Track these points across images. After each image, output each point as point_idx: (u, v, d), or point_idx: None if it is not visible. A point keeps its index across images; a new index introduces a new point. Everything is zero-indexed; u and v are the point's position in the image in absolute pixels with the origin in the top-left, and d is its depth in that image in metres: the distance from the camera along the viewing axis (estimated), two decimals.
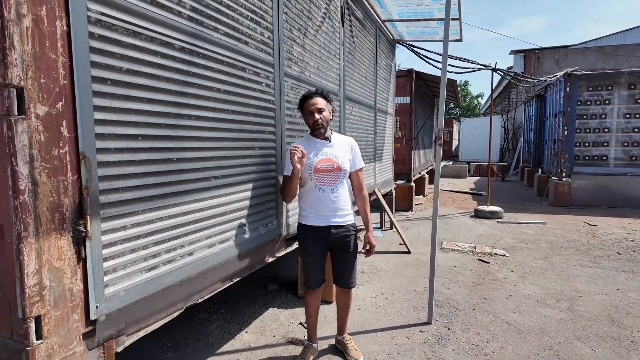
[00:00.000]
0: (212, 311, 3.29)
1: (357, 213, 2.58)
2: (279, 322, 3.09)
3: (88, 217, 1.36)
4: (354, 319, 3.08)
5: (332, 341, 2.74)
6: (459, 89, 14.38)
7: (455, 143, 26.80)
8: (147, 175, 1.62)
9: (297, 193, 2.43)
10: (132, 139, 1.54)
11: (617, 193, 8.13)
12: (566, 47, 16.04)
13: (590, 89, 8.27)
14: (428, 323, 3.03)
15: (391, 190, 6.63)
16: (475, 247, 5.19)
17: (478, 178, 15.58)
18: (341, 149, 2.41)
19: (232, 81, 2.15)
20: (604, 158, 8.26)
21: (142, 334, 1.68)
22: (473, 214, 7.56)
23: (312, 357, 2.52)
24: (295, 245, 3.00)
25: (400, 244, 5.24)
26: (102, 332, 1.47)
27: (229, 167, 2.17)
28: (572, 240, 5.56)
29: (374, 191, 5.15)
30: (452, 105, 42.55)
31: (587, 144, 8.37)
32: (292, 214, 2.91)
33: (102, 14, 1.39)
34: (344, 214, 2.40)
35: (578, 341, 2.77)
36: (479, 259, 4.67)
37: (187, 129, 1.83)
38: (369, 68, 4.99)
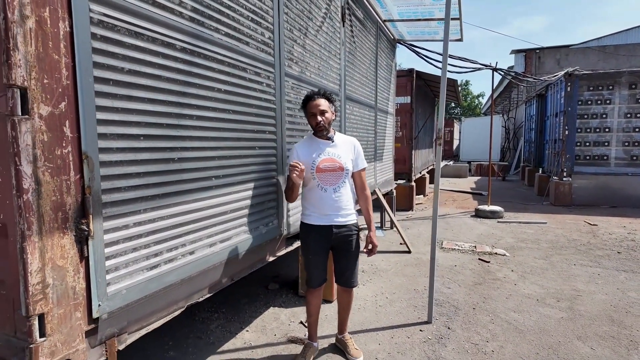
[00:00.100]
0: (213, 310, 3.30)
1: (359, 212, 2.59)
2: (280, 321, 3.10)
3: (90, 216, 1.37)
4: (354, 318, 3.09)
5: (333, 340, 2.75)
6: (459, 88, 14.38)
7: (456, 143, 26.79)
8: (149, 175, 1.64)
9: (300, 192, 2.45)
10: (134, 139, 1.55)
11: (617, 193, 8.13)
12: (567, 46, 16.02)
13: (591, 88, 8.27)
14: (428, 322, 3.05)
15: (392, 189, 6.64)
16: (475, 246, 5.20)
17: (479, 178, 15.57)
18: (344, 149, 2.42)
19: (233, 81, 2.17)
20: (605, 158, 8.26)
21: (143, 332, 1.69)
22: (473, 213, 7.56)
23: (312, 356, 2.53)
24: (296, 245, 3.02)
25: (401, 244, 5.25)
26: (105, 330, 1.49)
27: (230, 167, 2.18)
28: (572, 240, 5.57)
29: (374, 191, 5.17)
30: (453, 105, 42.52)
31: (587, 144, 8.36)
32: (293, 213, 2.92)
33: (105, 15, 1.41)
34: (346, 213, 2.41)
35: (578, 340, 2.78)
36: (479, 259, 4.68)
37: (189, 129, 1.84)
38: (370, 68, 5.00)
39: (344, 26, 3.91)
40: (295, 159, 2.28)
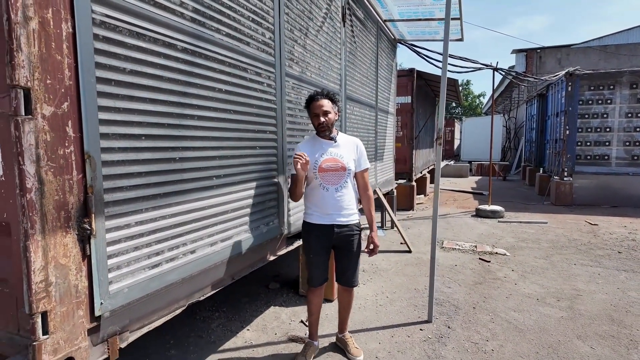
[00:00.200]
0: (214, 309, 3.32)
1: (362, 212, 2.60)
2: (281, 320, 3.11)
3: (93, 215, 1.38)
4: (355, 317, 3.10)
5: (333, 339, 2.76)
6: (460, 88, 14.38)
7: (457, 142, 26.77)
8: (151, 174, 1.65)
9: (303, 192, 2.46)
10: (135, 139, 1.57)
11: (618, 192, 8.12)
12: (568, 46, 16.00)
13: (592, 88, 8.26)
14: (428, 321, 3.05)
15: (392, 189, 6.65)
16: (476, 246, 5.20)
17: (479, 177, 15.57)
18: (346, 149, 2.44)
19: (234, 81, 2.18)
20: (606, 157, 8.25)
21: (145, 330, 1.71)
22: (474, 213, 7.57)
23: (313, 355, 2.54)
24: (297, 244, 3.03)
25: (401, 243, 5.26)
26: (107, 328, 1.50)
27: (231, 167, 2.19)
28: (573, 240, 5.57)
29: (375, 190, 5.18)
30: (454, 105, 42.48)
31: (588, 144, 8.36)
32: (293, 212, 2.93)
33: (107, 16, 1.42)
34: (348, 213, 2.42)
35: (578, 339, 2.79)
36: (479, 258, 4.69)
37: (190, 129, 1.85)
38: (370, 68, 5.00)
39: (344, 26, 3.92)
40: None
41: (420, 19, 5.38)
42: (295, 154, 2.26)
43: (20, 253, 1.21)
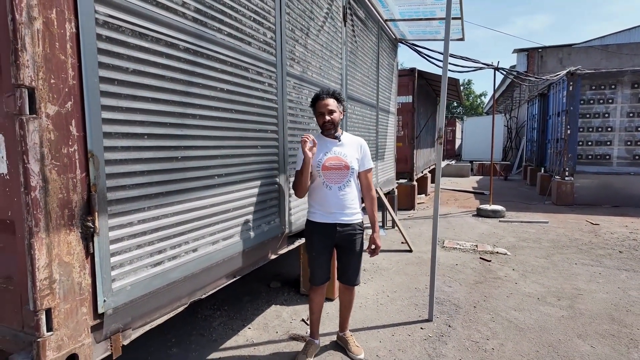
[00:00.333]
0: (215, 308, 3.33)
1: (364, 211, 2.61)
2: (282, 319, 3.13)
3: (96, 213, 1.40)
4: (356, 315, 3.12)
5: (334, 337, 2.77)
6: (461, 88, 14.37)
7: (458, 142, 26.76)
8: (153, 173, 1.66)
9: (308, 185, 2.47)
10: (138, 138, 1.58)
11: (620, 192, 8.11)
12: (570, 45, 15.97)
13: (594, 87, 8.25)
14: (429, 320, 3.06)
15: (393, 189, 6.65)
16: (476, 245, 5.21)
17: (481, 177, 15.56)
18: (350, 148, 2.45)
19: (236, 81, 2.19)
20: (607, 157, 8.24)
21: (147, 328, 1.72)
22: (475, 212, 7.57)
23: (314, 353, 2.56)
24: (297, 243, 3.04)
25: (402, 243, 5.27)
26: (110, 326, 1.51)
27: (232, 166, 2.21)
28: (574, 239, 5.57)
29: (376, 190, 5.18)
30: (455, 104, 42.43)
31: (590, 143, 8.35)
32: (295, 212, 2.95)
33: (110, 16, 1.43)
34: (351, 212, 2.43)
35: (578, 338, 2.79)
36: (480, 258, 4.69)
37: (192, 128, 1.87)
38: (371, 67, 5.01)
39: (345, 26, 3.93)
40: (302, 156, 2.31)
41: (421, 19, 5.38)
42: (302, 138, 2.28)
43: (24, 250, 1.23)
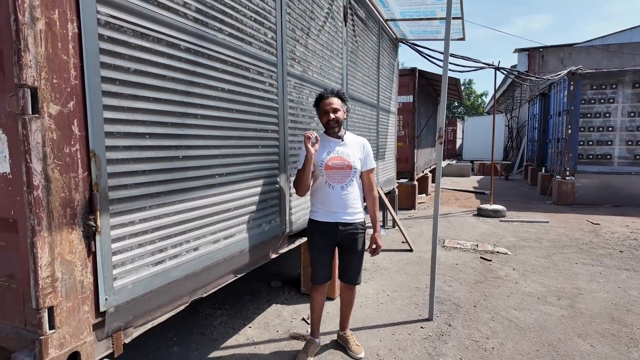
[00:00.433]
0: (216, 307, 3.35)
1: (365, 211, 2.62)
2: (282, 318, 3.14)
3: (98, 212, 1.41)
4: (356, 315, 3.12)
5: (334, 336, 2.78)
6: (462, 87, 14.35)
7: (459, 142, 26.74)
8: (154, 173, 1.67)
9: (310, 188, 2.48)
10: (139, 137, 1.59)
11: (621, 192, 8.10)
12: (571, 45, 15.94)
13: (595, 87, 8.25)
14: (429, 319, 3.07)
15: (394, 188, 6.66)
16: (477, 245, 5.21)
17: (482, 177, 15.55)
18: (353, 148, 2.47)
19: (236, 81, 2.20)
20: (608, 157, 8.23)
21: (149, 326, 1.73)
22: (476, 212, 7.57)
23: (314, 352, 2.57)
24: (298, 242, 3.05)
25: (403, 242, 5.28)
26: (111, 324, 1.52)
27: (233, 165, 2.22)
28: (574, 239, 5.57)
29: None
30: (456, 104, 42.40)
31: (591, 143, 8.34)
32: (295, 211, 2.96)
33: (111, 16, 1.44)
34: (353, 211, 2.44)
35: (578, 338, 2.80)
36: (480, 257, 4.70)
37: (193, 128, 1.87)
38: (372, 67, 5.02)
39: (346, 26, 3.93)
40: (304, 153, 2.33)
41: (421, 19, 5.38)
42: (305, 134, 2.31)
43: (27, 249, 1.24)
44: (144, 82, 1.60)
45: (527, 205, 8.41)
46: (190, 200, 1.89)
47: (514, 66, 16.76)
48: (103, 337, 1.51)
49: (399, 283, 3.87)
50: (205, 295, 2.08)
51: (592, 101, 8.28)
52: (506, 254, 4.85)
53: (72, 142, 1.33)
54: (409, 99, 8.04)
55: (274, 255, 2.76)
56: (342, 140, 2.46)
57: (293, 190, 2.74)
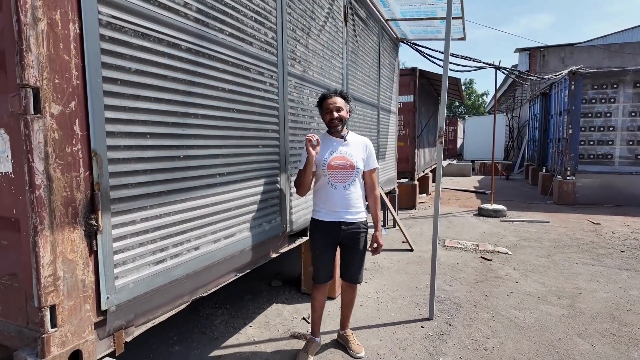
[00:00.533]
0: (217, 306, 3.36)
1: (367, 210, 2.63)
2: (283, 317, 3.14)
3: (99, 211, 1.41)
4: (357, 314, 3.13)
5: (335, 336, 2.79)
6: (463, 87, 14.34)
7: (459, 141, 26.72)
8: (155, 172, 1.68)
9: (312, 187, 2.49)
10: (140, 137, 1.60)
11: (621, 192, 8.10)
12: (572, 45, 15.92)
13: (595, 87, 8.24)
14: (429, 319, 3.08)
15: (394, 188, 6.66)
16: (477, 245, 5.22)
17: (482, 176, 15.55)
18: (356, 148, 2.48)
19: (237, 81, 2.20)
20: (609, 157, 8.23)
21: (150, 325, 1.74)
22: (476, 212, 7.57)
23: (315, 351, 2.57)
24: (299, 242, 3.06)
25: (403, 242, 5.28)
26: (113, 322, 1.53)
27: (234, 165, 2.22)
28: (575, 239, 5.57)
29: None
30: (457, 104, 42.37)
31: (591, 143, 8.34)
32: (296, 210, 2.96)
33: (113, 16, 1.45)
34: (355, 211, 2.45)
35: (578, 337, 2.80)
36: (481, 257, 4.70)
37: (194, 128, 1.88)
38: (372, 67, 5.02)
39: (346, 26, 3.94)
40: (307, 154, 2.34)
41: (422, 18, 5.39)
42: (306, 137, 2.33)
43: (29, 248, 1.25)
44: (145, 82, 1.60)
45: (528, 205, 8.41)
46: (191, 199, 1.90)
47: (515, 66, 16.73)
48: (104, 335, 1.52)
49: (400, 282, 3.88)
50: (206, 294, 2.09)
51: (593, 101, 8.27)
52: (507, 253, 4.85)
53: (74, 142, 1.34)
54: (410, 98, 8.04)
55: (274, 255, 2.77)
56: (345, 140, 2.47)
57: (293, 189, 2.75)
